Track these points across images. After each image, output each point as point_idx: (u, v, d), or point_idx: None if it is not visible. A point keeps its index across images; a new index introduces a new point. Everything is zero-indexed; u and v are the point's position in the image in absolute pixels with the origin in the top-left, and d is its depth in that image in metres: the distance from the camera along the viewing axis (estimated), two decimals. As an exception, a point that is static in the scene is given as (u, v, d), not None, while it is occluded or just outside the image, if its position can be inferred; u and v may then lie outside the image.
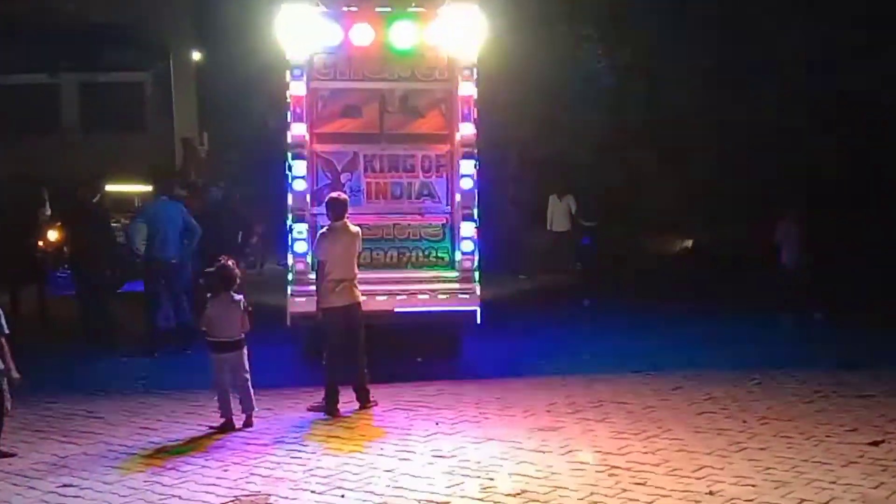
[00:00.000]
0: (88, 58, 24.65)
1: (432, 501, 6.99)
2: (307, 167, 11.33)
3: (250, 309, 9.39)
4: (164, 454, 8.34)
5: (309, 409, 9.69)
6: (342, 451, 8.27)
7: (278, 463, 7.97)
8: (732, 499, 6.88)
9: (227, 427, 9.07)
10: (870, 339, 12.98)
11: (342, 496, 7.10)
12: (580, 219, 19.34)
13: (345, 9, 11.32)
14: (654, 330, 14.29)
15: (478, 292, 11.38)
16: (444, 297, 11.33)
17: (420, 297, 11.28)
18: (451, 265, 11.53)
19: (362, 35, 11.29)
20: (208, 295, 9.58)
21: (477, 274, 11.49)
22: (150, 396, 10.62)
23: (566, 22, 21.62)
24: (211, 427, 9.11)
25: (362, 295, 10.02)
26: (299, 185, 11.25)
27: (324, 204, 10.12)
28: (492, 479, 7.42)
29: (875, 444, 8.17)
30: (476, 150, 11.49)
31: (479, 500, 6.99)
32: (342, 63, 11.49)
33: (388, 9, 11.36)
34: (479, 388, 10.58)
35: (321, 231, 10.06)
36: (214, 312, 9.33)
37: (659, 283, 18.04)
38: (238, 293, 9.41)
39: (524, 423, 9.04)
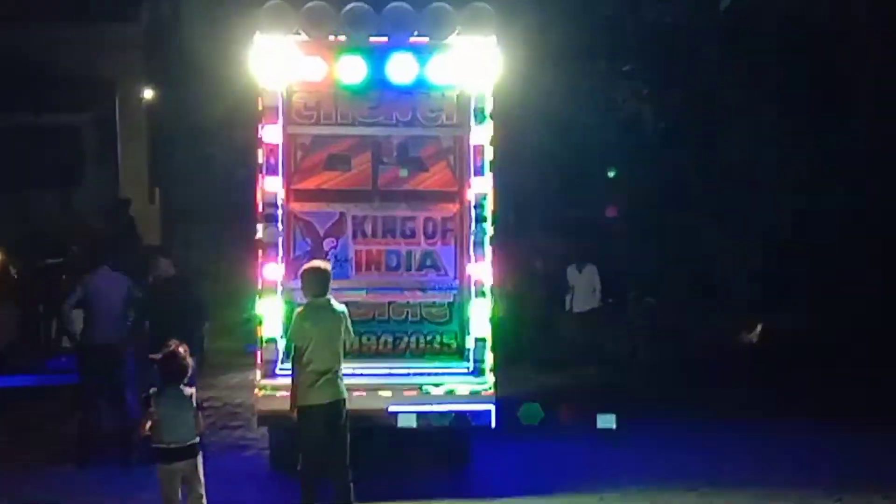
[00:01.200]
0: (13, 96, 24.87)
1: None
2: (282, 231, 11.39)
3: (203, 406, 9.34)
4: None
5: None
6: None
7: None
8: None
9: (177, 556, 8.95)
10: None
11: None
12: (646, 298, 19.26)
13: (331, 38, 11.45)
14: (714, 439, 14.18)
15: (493, 388, 11.34)
16: (451, 393, 11.29)
17: (420, 393, 11.24)
18: (459, 354, 11.52)
19: (352, 70, 11.42)
20: (151, 390, 9.52)
21: (492, 365, 11.46)
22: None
23: (603, 56, 21.82)
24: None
25: (349, 390, 9.97)
26: (272, 253, 11.29)
27: (300, 276, 10.11)
28: None
29: None
30: (493, 212, 11.55)
31: None
32: (327, 104, 11.61)
33: (385, 39, 11.48)
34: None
35: (298, 310, 10.02)
36: (161, 412, 9.22)
37: (720, 377, 17.94)
38: (189, 386, 9.36)
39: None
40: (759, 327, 20.30)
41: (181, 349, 9.50)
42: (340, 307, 9.99)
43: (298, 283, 10.20)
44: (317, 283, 9.87)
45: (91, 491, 11.55)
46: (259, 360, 11.30)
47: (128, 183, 26.73)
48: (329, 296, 9.90)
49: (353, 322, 10.24)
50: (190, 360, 9.48)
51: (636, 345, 19.83)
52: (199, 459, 9.20)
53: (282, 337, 11.02)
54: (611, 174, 20.91)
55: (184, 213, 27.71)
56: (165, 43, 27.16)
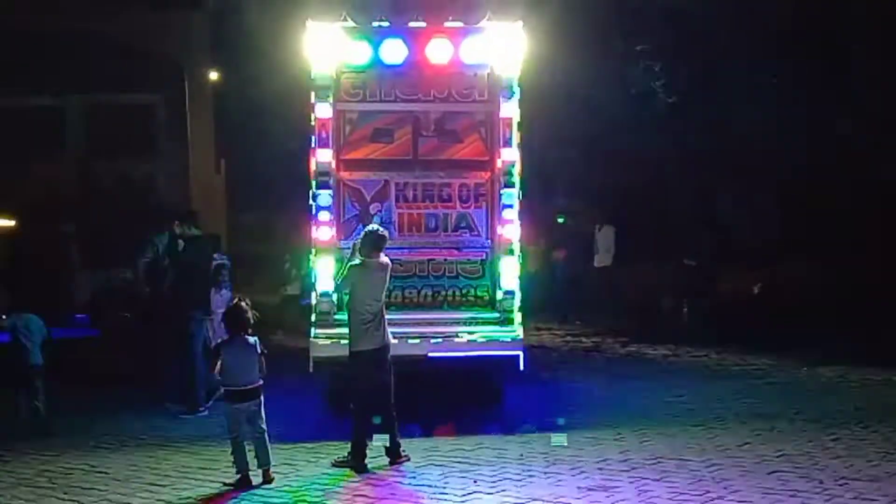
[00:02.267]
0: (94, 78, 24.87)
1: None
2: (333, 197, 11.40)
3: (265, 352, 9.42)
4: (174, 514, 8.37)
5: (333, 465, 9.66)
6: (370, 513, 8.29)
7: (299, 525, 8.01)
8: (808, 570, 6.82)
9: (242, 483, 9.07)
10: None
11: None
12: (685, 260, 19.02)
13: (375, 24, 11.44)
14: (718, 379, 14.16)
15: (521, 335, 11.38)
16: (484, 340, 11.33)
17: (456, 340, 11.29)
18: (490, 305, 11.54)
19: (394, 52, 11.40)
20: (220, 339, 9.59)
21: (520, 315, 11.49)
22: (158, 450, 10.63)
23: (619, 37, 21.64)
24: (225, 483, 9.12)
25: (393, 338, 10.02)
26: (324, 217, 11.33)
27: (361, 236, 10.10)
28: (536, 546, 7.40)
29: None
30: (519, 178, 11.52)
31: (522, 568, 6.98)
32: (372, 83, 11.60)
33: (423, 24, 11.47)
34: (522, 441, 10.51)
35: (352, 265, 9.93)
36: (229, 358, 9.36)
37: (725, 327, 17.88)
38: (252, 335, 9.45)
39: (573, 482, 8.96)
40: (759, 284, 20.03)
41: (244, 303, 9.58)
42: (386, 264, 9.99)
43: (358, 241, 10.14)
44: (373, 245, 9.87)
45: (165, 428, 11.69)
46: (314, 312, 11.36)
47: (196, 155, 26.82)
48: (380, 255, 9.91)
49: (396, 277, 10.30)
50: (252, 313, 9.55)
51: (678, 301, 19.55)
52: (261, 399, 9.31)
53: (334, 291, 11.08)
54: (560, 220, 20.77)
55: (246, 180, 27.83)
56: (228, 27, 27.14)
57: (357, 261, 9.92)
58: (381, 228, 10.16)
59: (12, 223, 19.26)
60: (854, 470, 9.19)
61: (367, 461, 9.58)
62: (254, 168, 28.19)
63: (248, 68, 25.81)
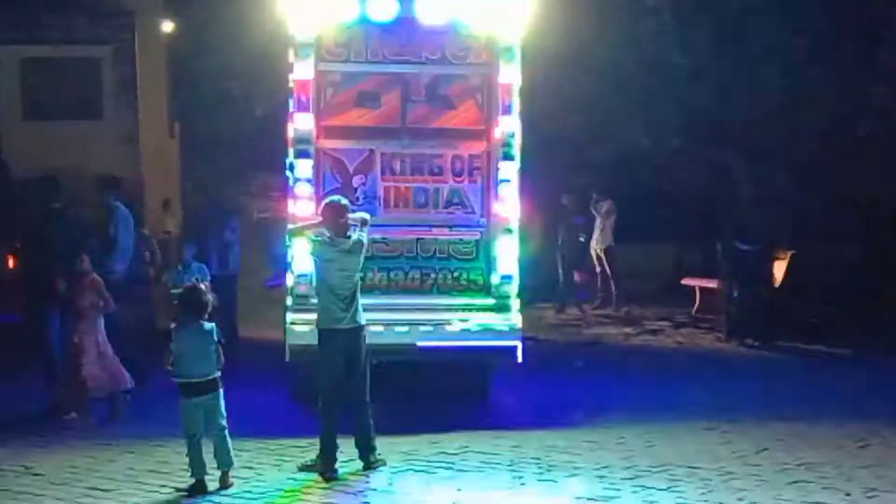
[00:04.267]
0: (31, 27, 24.71)
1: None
2: (313, 167, 11.45)
3: (223, 341, 9.38)
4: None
5: (300, 469, 9.66)
6: (342, 525, 8.38)
7: (263, 537, 8.07)
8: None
9: (198, 489, 9.03)
10: None
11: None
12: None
13: (364, -27, 11.50)
14: (736, 376, 14.22)
15: (518, 324, 11.47)
16: (478, 329, 11.41)
17: (448, 328, 11.37)
18: (485, 290, 11.62)
19: (383, 8, 11.45)
20: (172, 324, 9.51)
21: (517, 301, 11.57)
22: (102, 450, 10.50)
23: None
24: (178, 489, 9.09)
25: (379, 326, 10.03)
26: (303, 190, 11.39)
27: (320, 210, 9.93)
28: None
29: None
30: (519, 150, 11.59)
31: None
32: (358, 41, 11.64)
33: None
34: (512, 443, 10.56)
35: (318, 241, 9.77)
36: (183, 346, 9.23)
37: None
38: (210, 321, 9.37)
39: (569, 491, 9.01)
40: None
41: (202, 284, 9.58)
42: (357, 239, 9.71)
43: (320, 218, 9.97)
44: (333, 217, 9.64)
45: (111, 425, 11.59)
46: (290, 295, 11.40)
47: (147, 117, 26.60)
48: (349, 228, 9.69)
49: (381, 258, 10.28)
50: (210, 296, 9.49)
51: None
52: (220, 392, 9.24)
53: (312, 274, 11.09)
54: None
55: (204, 147, 27.63)
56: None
57: (323, 238, 9.68)
58: (337, 197, 9.92)
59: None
60: (886, 481, 9.23)
61: (337, 465, 9.51)
62: (214, 134, 27.87)
63: (210, 19, 25.49)
